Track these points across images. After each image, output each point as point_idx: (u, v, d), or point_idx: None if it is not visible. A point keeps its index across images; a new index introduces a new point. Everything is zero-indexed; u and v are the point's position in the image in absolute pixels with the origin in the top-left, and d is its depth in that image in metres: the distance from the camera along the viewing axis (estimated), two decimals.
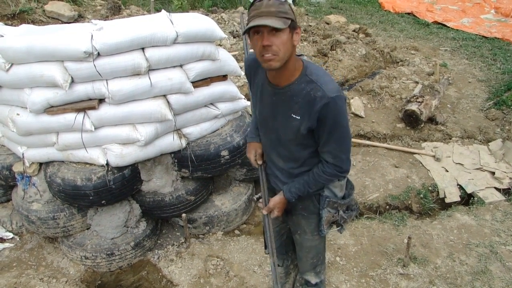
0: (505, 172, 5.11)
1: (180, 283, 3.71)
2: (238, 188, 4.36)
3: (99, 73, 3.28)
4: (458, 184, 4.99)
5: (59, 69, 3.25)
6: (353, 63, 7.84)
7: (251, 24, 1.97)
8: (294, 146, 2.35)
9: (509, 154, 5.36)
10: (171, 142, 3.67)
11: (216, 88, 3.82)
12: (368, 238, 4.12)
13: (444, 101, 6.68)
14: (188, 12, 8.88)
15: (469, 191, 4.89)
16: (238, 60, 6.55)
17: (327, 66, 7.61)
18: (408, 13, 11.67)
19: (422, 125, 6.01)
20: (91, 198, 3.53)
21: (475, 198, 4.79)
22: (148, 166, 3.74)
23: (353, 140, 5.70)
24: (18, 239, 4.18)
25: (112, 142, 3.51)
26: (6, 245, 4.09)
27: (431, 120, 6.14)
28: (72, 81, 3.32)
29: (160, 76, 3.45)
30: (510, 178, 5.01)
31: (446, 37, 9.80)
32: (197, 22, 3.58)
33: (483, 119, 6.29)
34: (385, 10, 12.17)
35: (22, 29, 3.67)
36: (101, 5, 9.15)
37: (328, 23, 9.80)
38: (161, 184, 3.83)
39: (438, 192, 4.92)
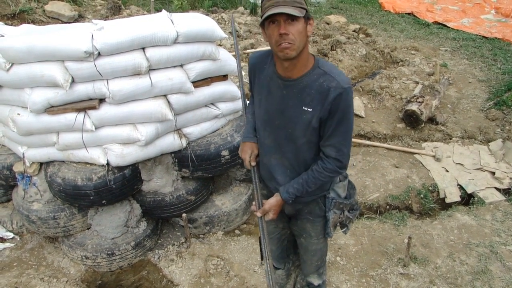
0: (505, 172, 5.12)
1: (180, 283, 3.71)
2: (239, 188, 4.37)
3: (99, 73, 3.28)
4: (458, 184, 5.00)
5: (60, 69, 3.25)
6: (353, 63, 7.84)
7: (268, 13, 1.98)
8: (301, 144, 2.32)
9: (509, 154, 5.36)
10: (171, 142, 3.67)
11: (217, 88, 3.82)
12: (368, 238, 4.13)
13: (445, 101, 6.68)
14: (188, 12, 8.88)
15: (469, 191, 4.90)
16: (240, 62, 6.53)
17: None
18: (408, 13, 11.68)
19: (422, 125, 6.01)
20: (91, 198, 3.53)
21: (476, 198, 4.79)
22: (149, 166, 3.75)
23: (353, 140, 5.70)
24: (18, 239, 4.18)
25: (113, 142, 3.51)
26: (7, 245, 4.09)
27: (432, 120, 6.15)
28: (73, 81, 3.32)
29: (161, 76, 3.45)
30: (511, 178, 5.02)
31: (446, 37, 9.81)
32: (197, 22, 3.58)
33: (483, 119, 6.29)
34: (385, 10, 12.18)
35: (22, 29, 3.68)
36: (101, 5, 9.15)
37: (328, 23, 9.80)
38: (162, 184, 3.83)
39: (438, 192, 4.92)
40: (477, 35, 9.84)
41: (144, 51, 3.39)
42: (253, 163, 2.55)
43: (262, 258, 2.85)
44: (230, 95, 3.90)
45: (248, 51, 7.41)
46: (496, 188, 4.91)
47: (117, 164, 3.52)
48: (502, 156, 5.39)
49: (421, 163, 5.33)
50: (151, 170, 3.77)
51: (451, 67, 8.02)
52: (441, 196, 4.90)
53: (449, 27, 10.51)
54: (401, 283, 3.65)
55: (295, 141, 2.32)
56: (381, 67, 8.21)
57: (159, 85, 3.44)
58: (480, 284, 3.64)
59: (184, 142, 3.74)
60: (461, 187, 4.96)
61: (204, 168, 3.84)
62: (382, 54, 8.46)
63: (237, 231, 4.34)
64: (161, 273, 3.87)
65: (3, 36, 3.41)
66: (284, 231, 2.91)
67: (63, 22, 7.85)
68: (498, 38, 9.53)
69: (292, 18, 1.97)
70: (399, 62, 8.20)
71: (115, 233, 3.81)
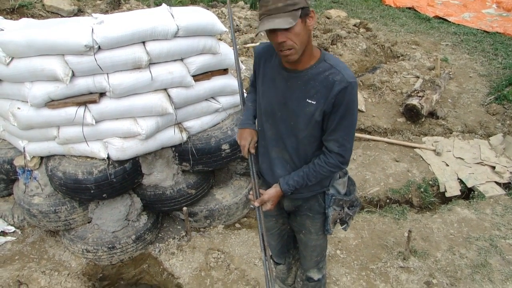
0: (505, 166, 5.12)
1: (181, 276, 3.73)
2: (239, 181, 4.37)
3: (99, 67, 3.28)
4: (458, 178, 5.00)
5: (60, 62, 3.25)
6: (353, 57, 7.84)
7: (260, 28, 1.98)
8: (303, 138, 2.31)
9: (509, 149, 5.37)
10: (172, 135, 3.68)
11: (217, 82, 3.82)
12: (368, 231, 4.14)
13: (445, 96, 6.68)
14: (188, 6, 8.86)
15: (469, 185, 4.90)
16: (238, 54, 6.53)
17: None
18: (409, 8, 11.65)
19: (422, 120, 6.01)
20: (92, 191, 3.54)
21: (476, 192, 4.80)
22: (149, 160, 3.75)
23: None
24: (19, 232, 4.19)
25: (113, 135, 3.52)
26: (8, 238, 4.10)
27: (432, 114, 6.15)
28: (73, 75, 3.32)
29: (161, 70, 3.45)
30: (511, 173, 5.02)
31: (447, 32, 9.79)
32: (197, 15, 3.57)
33: (484, 114, 6.29)
34: (386, 5, 12.15)
35: (22, 23, 3.67)
36: (100, 0, 9.13)
37: (328, 18, 9.78)
38: (162, 177, 3.84)
39: (438, 186, 4.93)
40: (478, 29, 9.82)
41: (144, 45, 3.39)
42: (252, 151, 2.52)
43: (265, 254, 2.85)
44: (230, 89, 3.90)
45: (248, 45, 7.40)
46: (496, 182, 4.92)
47: (118, 158, 3.52)
48: (503, 150, 5.40)
49: (422, 157, 5.33)
50: (151, 164, 3.77)
51: (452, 61, 8.02)
52: (441, 190, 4.90)
53: (450, 22, 10.49)
54: (401, 276, 3.66)
55: (297, 134, 2.31)
56: (381, 62, 8.21)
57: (160, 79, 3.44)
58: (479, 277, 3.65)
59: (184, 136, 3.74)
60: (461, 181, 4.97)
61: (205, 162, 3.84)
62: (382, 49, 8.45)
63: (237, 225, 4.35)
64: (161, 266, 3.88)
65: (3, 30, 3.40)
66: (284, 226, 2.92)
67: (62, 17, 7.84)
68: (499, 33, 9.51)
69: None
70: (399, 56, 8.19)
71: (116, 227, 3.82)
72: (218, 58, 3.76)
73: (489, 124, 5.99)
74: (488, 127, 5.95)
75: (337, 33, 8.47)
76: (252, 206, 2.50)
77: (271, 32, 2.01)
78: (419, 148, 5.50)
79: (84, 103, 3.41)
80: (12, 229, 4.18)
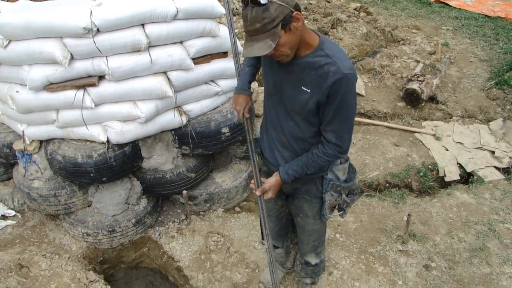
0: (505, 151, 5.12)
1: (181, 259, 3.75)
2: (239, 165, 4.37)
3: (98, 50, 3.25)
4: (458, 163, 5.01)
5: (58, 45, 3.22)
6: (354, 41, 7.79)
7: (243, 53, 1.99)
8: (299, 121, 2.31)
9: (509, 134, 5.36)
10: (171, 119, 3.67)
11: (217, 65, 3.80)
12: (368, 215, 4.15)
13: (445, 81, 6.65)
14: None
15: (468, 170, 4.91)
16: (238, 38, 6.49)
17: None
18: None
19: (422, 104, 5.99)
20: (92, 175, 3.54)
21: (475, 177, 4.80)
22: (149, 143, 3.75)
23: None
24: (20, 216, 4.20)
25: (113, 119, 3.50)
26: (9, 222, 4.12)
27: (432, 99, 6.13)
28: (72, 58, 3.30)
29: (161, 53, 3.43)
30: (510, 157, 5.02)
31: (448, 16, 9.71)
32: None
33: (484, 99, 6.28)
34: None
35: (19, 4, 3.64)
36: None
37: (329, 1, 9.69)
38: (162, 161, 3.84)
39: (438, 170, 4.93)
40: (480, 14, 9.74)
41: (143, 28, 3.35)
42: (247, 115, 2.54)
43: (262, 237, 2.87)
44: (230, 72, 3.88)
45: None
46: (496, 167, 4.93)
47: (117, 141, 3.52)
48: (502, 135, 5.39)
49: (421, 142, 5.33)
50: (151, 148, 3.77)
51: (453, 46, 7.97)
52: (441, 174, 4.91)
53: (451, 6, 10.40)
54: (400, 260, 3.68)
55: (293, 118, 2.31)
56: (382, 46, 8.16)
57: (159, 62, 3.42)
58: (477, 261, 3.67)
59: (184, 119, 3.73)
60: (460, 166, 4.97)
61: (204, 145, 3.84)
62: (383, 33, 8.39)
63: (237, 208, 4.36)
64: (161, 250, 3.90)
65: (0, 12, 3.37)
66: (283, 208, 2.92)
67: None
68: (501, 17, 9.43)
69: None
70: (400, 41, 8.14)
71: (116, 210, 3.83)
72: (217, 41, 3.74)
73: (489, 109, 5.98)
74: (488, 112, 5.94)
75: (337, 17, 8.41)
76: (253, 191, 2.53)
77: None
78: (419, 132, 5.50)
79: (83, 86, 3.39)
80: (12, 213, 4.19)
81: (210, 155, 4.10)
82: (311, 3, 9.42)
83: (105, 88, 3.41)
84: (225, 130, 3.81)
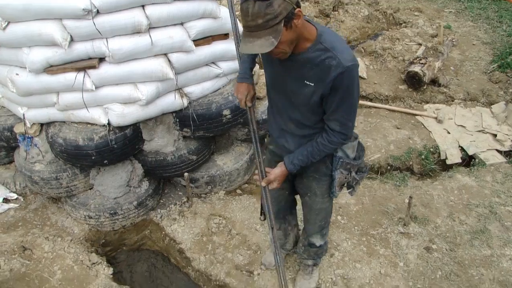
0: (507, 134, 5.11)
1: (183, 241, 3.76)
2: (240, 148, 4.36)
3: (98, 31, 3.21)
4: (459, 146, 5.00)
5: (58, 27, 3.18)
6: (355, 24, 7.73)
7: (242, 49, 1.94)
8: (305, 111, 2.31)
9: (511, 117, 5.34)
10: (172, 101, 3.65)
11: (218, 47, 3.77)
12: (369, 197, 4.16)
13: (448, 63, 6.60)
14: None
15: (470, 153, 4.90)
16: (239, 20, 6.44)
17: (329, 27, 7.48)
18: None
19: (424, 87, 5.96)
20: (93, 158, 3.54)
21: (476, 160, 4.80)
22: (150, 126, 3.74)
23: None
24: (22, 199, 4.21)
25: (113, 101, 3.48)
26: (11, 205, 4.13)
27: (434, 82, 6.09)
28: (72, 40, 3.26)
29: (161, 34, 3.39)
30: None
31: None
32: None
33: (487, 82, 6.23)
34: None
35: None
36: None
37: None
38: (163, 143, 3.83)
39: (439, 153, 4.93)
40: None
41: (143, 9, 3.31)
42: (249, 104, 2.54)
43: (261, 214, 2.88)
44: (231, 54, 3.84)
45: None
46: (497, 150, 4.91)
47: (118, 124, 3.51)
48: (505, 118, 5.37)
49: (423, 125, 5.32)
50: (152, 130, 3.76)
51: (455, 29, 7.89)
52: (442, 157, 4.90)
53: None
54: (401, 242, 3.70)
55: (299, 109, 2.32)
56: (383, 29, 8.09)
57: (160, 44, 3.39)
58: (478, 243, 3.69)
59: (185, 102, 3.71)
60: (462, 149, 4.96)
61: (206, 127, 3.83)
62: (384, 15, 8.31)
63: (238, 191, 4.38)
64: (163, 232, 3.92)
65: None
66: (283, 191, 2.92)
67: None
68: (505, 0, 9.32)
69: None
70: (402, 23, 8.06)
71: (117, 193, 3.83)
72: (218, 22, 3.69)
73: (492, 92, 5.94)
74: (490, 95, 5.91)
75: None
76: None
77: None
78: (420, 115, 5.48)
79: (84, 69, 3.37)
80: (15, 196, 4.20)
81: (211, 137, 4.10)
82: None
83: (106, 70, 3.39)
84: (226, 112, 3.80)
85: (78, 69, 3.36)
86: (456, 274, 3.43)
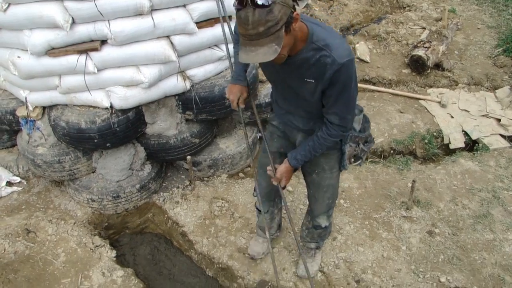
0: (511, 119, 5.08)
1: (185, 224, 3.78)
2: (243, 131, 4.34)
3: (100, 13, 3.18)
4: (463, 130, 4.98)
5: (59, 9, 3.15)
6: (358, 7, 7.66)
7: (243, 59, 1.88)
8: (312, 104, 2.33)
9: None
10: (175, 84, 3.63)
11: (221, 29, 3.72)
12: (372, 181, 4.15)
13: (452, 48, 6.55)
14: None
15: (474, 137, 4.88)
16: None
17: (332, 11, 7.43)
18: None
19: (428, 71, 5.91)
20: (95, 141, 3.53)
21: (480, 145, 4.78)
22: (152, 109, 3.72)
23: (358, 85, 5.63)
24: (25, 183, 4.22)
25: (116, 84, 3.47)
26: (14, 188, 4.14)
27: (438, 66, 6.04)
28: (73, 22, 3.24)
29: (163, 16, 3.36)
30: None
31: None
32: None
33: (491, 66, 6.18)
34: None
35: None
36: None
37: None
38: (166, 126, 3.82)
39: (442, 138, 4.91)
40: None
41: None
42: (242, 106, 2.57)
43: (254, 190, 2.92)
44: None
45: None
46: (501, 135, 4.89)
47: (121, 107, 3.50)
48: (509, 103, 5.34)
49: (426, 109, 5.29)
50: (155, 113, 3.75)
51: (460, 12, 7.81)
52: (445, 142, 4.89)
53: None
54: (404, 226, 3.70)
55: (305, 99, 2.33)
56: (387, 12, 8.01)
57: (162, 26, 3.36)
58: (481, 227, 3.69)
59: (188, 84, 3.69)
60: (465, 133, 4.94)
61: (208, 110, 3.81)
62: None
63: (241, 174, 4.38)
64: (166, 215, 3.93)
65: None
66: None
67: None
68: None
69: None
70: (405, 7, 7.98)
71: (120, 176, 3.83)
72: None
73: (496, 77, 5.90)
74: (495, 79, 5.87)
75: None
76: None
77: None
78: (424, 99, 5.45)
79: (86, 51, 3.35)
80: (18, 179, 4.20)
81: (214, 120, 4.09)
82: None
83: (108, 52, 3.36)
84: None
85: (80, 52, 3.34)
86: (458, 258, 3.44)
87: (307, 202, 3.06)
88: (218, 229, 3.71)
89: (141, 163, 3.91)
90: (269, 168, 2.63)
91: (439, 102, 5.37)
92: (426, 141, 4.80)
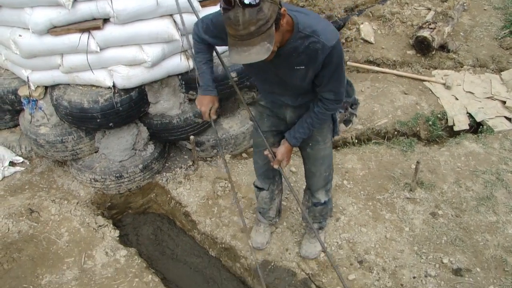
0: None
1: (188, 204, 3.79)
2: (246, 111, 4.32)
3: None
4: (467, 112, 4.93)
5: None
6: None
7: (234, 60, 1.88)
8: (305, 86, 2.36)
9: None
10: (178, 63, 3.60)
11: None
12: (375, 163, 4.14)
13: (457, 29, 6.46)
14: None
15: (478, 119, 4.84)
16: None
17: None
18: None
19: (433, 53, 5.84)
20: (98, 120, 3.52)
21: (484, 127, 4.74)
22: (155, 88, 3.70)
23: (362, 66, 5.61)
24: (28, 163, 4.23)
25: (118, 63, 3.45)
26: (17, 168, 4.15)
27: (443, 47, 5.97)
28: (75, 0, 3.20)
29: None
30: None
31: None
32: None
33: (497, 48, 6.10)
34: None
35: None
36: None
37: None
38: (169, 106, 3.80)
39: (447, 119, 4.87)
40: None
41: None
42: (214, 116, 2.60)
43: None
44: None
45: None
46: (506, 117, 4.84)
47: (123, 86, 3.48)
48: None
49: (431, 91, 5.24)
50: (158, 93, 3.72)
51: None
52: (450, 124, 4.85)
53: None
54: (407, 207, 3.70)
55: (295, 85, 2.36)
56: None
57: (165, 4, 3.32)
58: (484, 209, 3.68)
59: (191, 64, 3.66)
60: (470, 115, 4.90)
61: None
62: None
63: (244, 154, 4.36)
64: (169, 195, 3.94)
65: None
66: (274, 147, 2.90)
67: None
68: None
69: None
70: None
71: (123, 156, 3.83)
72: None
73: (502, 59, 5.82)
74: (500, 61, 5.79)
75: None
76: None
77: None
78: (428, 81, 5.40)
79: (88, 30, 3.32)
80: (20, 159, 4.21)
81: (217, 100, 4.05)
82: None
83: (110, 31, 3.34)
84: (232, 74, 3.73)
85: (82, 30, 3.32)
86: (461, 240, 3.44)
87: None
88: (221, 209, 3.72)
89: (144, 143, 3.90)
90: (266, 152, 2.64)
91: (444, 84, 5.32)
92: (430, 122, 4.76)
